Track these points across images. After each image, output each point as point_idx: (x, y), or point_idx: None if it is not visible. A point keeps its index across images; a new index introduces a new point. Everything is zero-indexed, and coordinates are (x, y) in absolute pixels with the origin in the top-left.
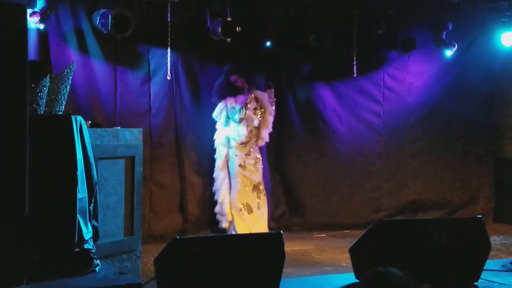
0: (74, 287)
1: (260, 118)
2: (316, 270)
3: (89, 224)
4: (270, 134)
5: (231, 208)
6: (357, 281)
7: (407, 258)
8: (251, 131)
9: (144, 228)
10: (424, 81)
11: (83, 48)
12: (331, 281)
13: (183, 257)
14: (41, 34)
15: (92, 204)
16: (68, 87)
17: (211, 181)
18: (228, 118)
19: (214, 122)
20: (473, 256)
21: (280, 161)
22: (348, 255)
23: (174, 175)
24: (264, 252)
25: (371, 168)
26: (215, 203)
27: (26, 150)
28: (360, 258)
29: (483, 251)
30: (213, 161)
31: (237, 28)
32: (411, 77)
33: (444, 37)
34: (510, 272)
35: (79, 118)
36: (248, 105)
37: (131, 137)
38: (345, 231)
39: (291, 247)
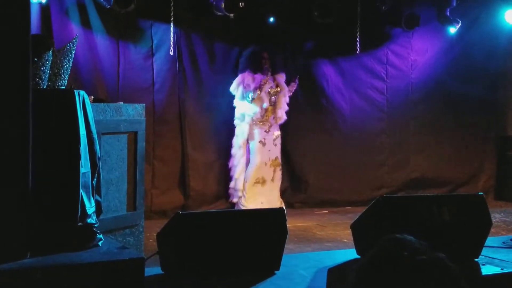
0: (77, 261)
1: (273, 98)
2: (318, 246)
3: (92, 198)
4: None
5: (244, 183)
6: (359, 257)
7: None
8: (266, 109)
9: (146, 203)
10: (428, 58)
11: (85, 22)
12: (333, 257)
13: (185, 232)
14: (43, 8)
15: (95, 179)
16: (71, 62)
17: (214, 157)
18: (243, 94)
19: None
20: (474, 232)
21: (283, 138)
22: (349, 231)
23: (176, 150)
24: (266, 228)
25: (374, 145)
26: (230, 178)
27: (29, 124)
28: (361, 234)
29: (484, 228)
30: (216, 136)
31: (240, 3)
32: (414, 54)
33: (448, 14)
34: (511, 248)
35: (82, 92)
36: (264, 86)
37: (134, 112)
38: (347, 207)
39: (293, 223)
